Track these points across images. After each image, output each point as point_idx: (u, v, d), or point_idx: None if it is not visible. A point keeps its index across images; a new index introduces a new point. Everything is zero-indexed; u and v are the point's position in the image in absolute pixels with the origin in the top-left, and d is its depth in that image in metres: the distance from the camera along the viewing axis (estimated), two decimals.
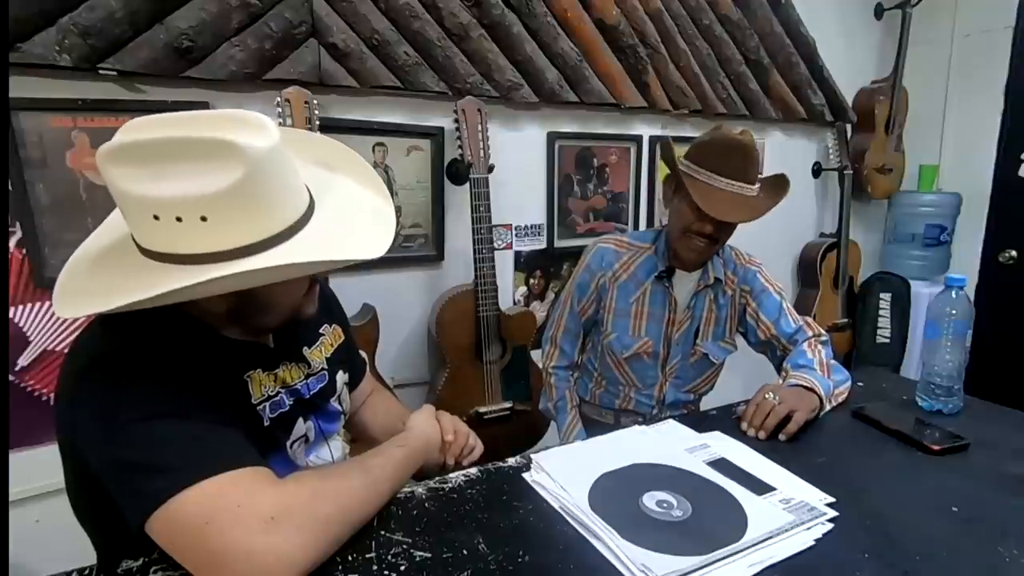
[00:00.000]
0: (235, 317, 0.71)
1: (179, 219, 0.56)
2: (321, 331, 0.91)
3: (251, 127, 0.58)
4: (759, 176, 1.19)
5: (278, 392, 0.77)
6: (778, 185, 1.22)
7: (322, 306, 0.90)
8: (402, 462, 0.78)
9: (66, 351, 0.68)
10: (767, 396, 1.01)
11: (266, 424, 0.73)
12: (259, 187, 0.58)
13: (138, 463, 0.58)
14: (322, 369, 0.87)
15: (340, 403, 0.91)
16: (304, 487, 0.62)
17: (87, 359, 0.63)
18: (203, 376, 0.65)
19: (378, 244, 0.68)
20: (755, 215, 1.14)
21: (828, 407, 1.09)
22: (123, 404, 0.59)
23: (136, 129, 0.57)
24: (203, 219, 0.56)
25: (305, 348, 0.85)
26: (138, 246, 0.62)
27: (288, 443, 0.78)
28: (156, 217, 0.56)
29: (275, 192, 0.61)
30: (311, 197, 0.68)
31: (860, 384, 1.23)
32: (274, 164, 0.59)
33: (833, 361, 1.19)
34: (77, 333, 0.72)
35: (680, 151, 1.27)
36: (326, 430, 0.86)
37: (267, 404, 0.74)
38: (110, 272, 0.63)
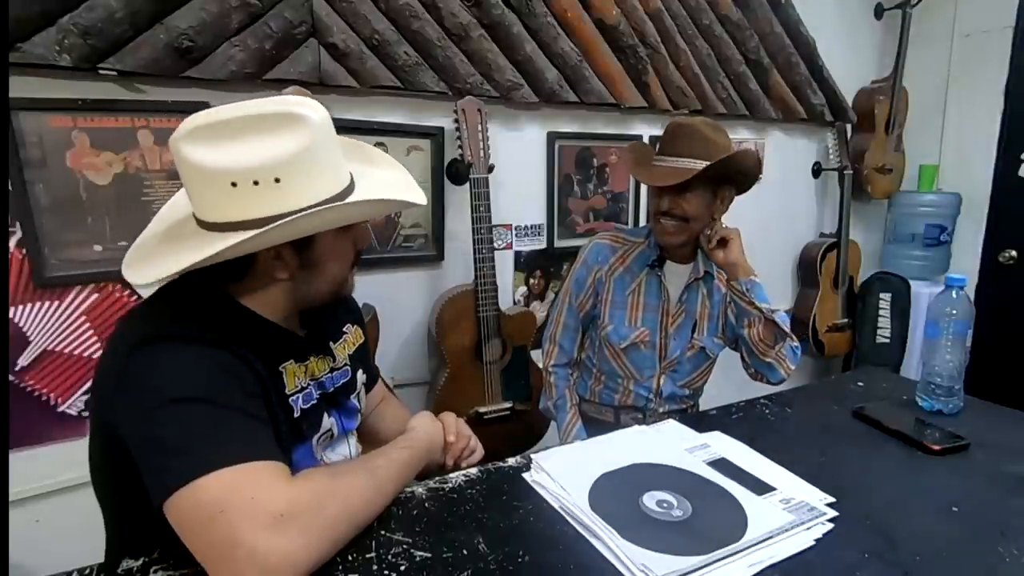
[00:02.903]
0: (293, 281, 0.75)
1: (256, 183, 0.63)
2: (345, 329, 0.94)
3: (307, 103, 0.67)
4: (720, 155, 1.18)
5: (308, 384, 0.79)
6: (732, 160, 1.19)
7: (345, 307, 0.96)
8: (406, 463, 0.79)
9: (115, 326, 0.73)
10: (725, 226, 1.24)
11: (296, 415, 0.76)
12: (322, 151, 0.67)
13: (167, 443, 0.60)
14: (345, 365, 0.90)
15: (359, 401, 0.93)
16: (314, 486, 0.63)
17: (136, 339, 0.65)
18: (246, 362, 0.68)
19: (420, 196, 0.78)
20: (680, 178, 1.18)
21: (755, 299, 1.22)
22: (164, 385, 0.62)
23: (203, 116, 0.64)
24: (277, 180, 0.64)
25: (331, 343, 0.88)
26: (204, 224, 0.68)
27: (315, 437, 0.80)
28: (234, 184, 0.63)
29: (332, 158, 0.70)
30: (351, 175, 0.75)
31: (860, 384, 1.23)
32: (329, 134, 0.69)
33: (789, 347, 1.27)
34: (124, 313, 0.78)
35: None
36: (347, 426, 0.89)
37: (299, 396, 0.77)
38: (178, 244, 0.69)
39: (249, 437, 0.63)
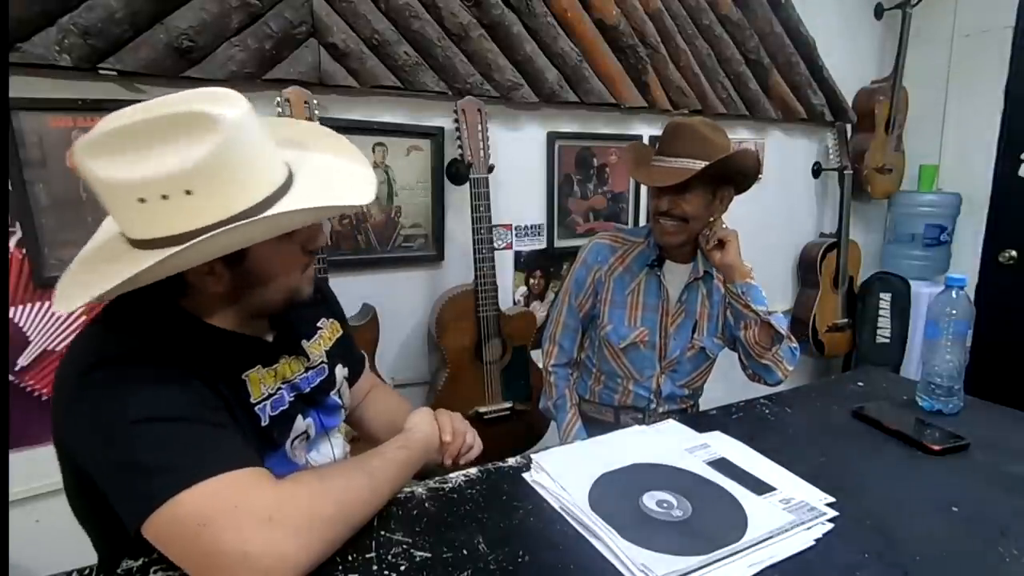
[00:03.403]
0: (234, 298, 0.71)
1: (165, 197, 0.57)
2: (319, 324, 0.91)
3: (220, 99, 0.59)
4: (719, 154, 1.18)
5: (278, 388, 0.77)
6: (730, 159, 1.19)
7: (319, 300, 0.91)
8: (403, 463, 0.78)
9: (63, 354, 0.68)
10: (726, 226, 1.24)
11: (264, 424, 0.73)
12: (238, 155, 0.59)
13: (135, 465, 0.58)
14: (321, 362, 0.87)
15: (340, 397, 0.91)
16: (303, 487, 0.62)
17: (85, 361, 0.63)
18: (201, 377, 0.65)
19: (362, 194, 0.70)
20: (679, 178, 1.18)
21: (751, 301, 1.21)
22: (121, 406, 0.59)
23: (107, 122, 0.58)
24: (188, 192, 0.57)
25: (304, 341, 0.86)
26: (129, 240, 0.62)
27: (288, 441, 0.78)
28: (143, 200, 0.57)
29: (254, 160, 0.62)
30: (289, 170, 0.68)
31: (860, 384, 1.23)
32: (249, 133, 0.60)
33: (788, 348, 1.27)
34: (74, 336, 0.72)
35: None
36: (327, 425, 0.86)
37: (267, 403, 0.74)
38: (103, 265, 0.63)
39: (220, 447, 0.61)
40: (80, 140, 0.57)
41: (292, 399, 0.79)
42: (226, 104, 0.58)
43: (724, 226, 1.26)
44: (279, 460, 0.76)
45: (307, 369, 0.84)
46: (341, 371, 0.93)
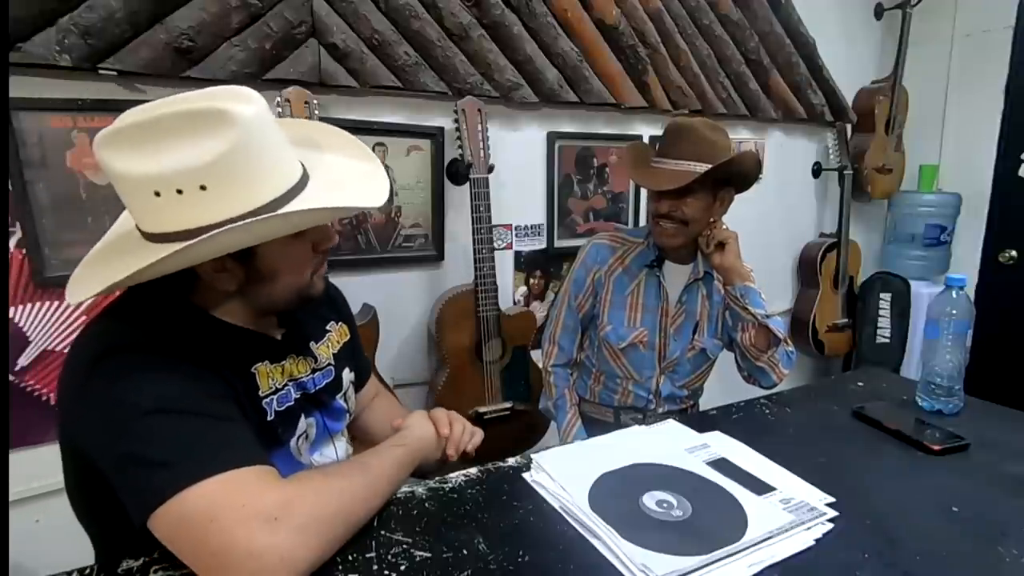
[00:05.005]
0: (245, 295, 0.71)
1: (180, 191, 0.57)
2: (328, 327, 0.91)
3: (238, 97, 0.60)
4: (720, 155, 1.18)
5: (285, 384, 0.77)
6: (734, 162, 1.19)
7: (329, 304, 0.92)
8: (401, 461, 0.78)
9: (70, 345, 0.68)
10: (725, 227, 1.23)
11: (270, 418, 0.74)
12: (254, 151, 0.59)
13: (143, 457, 0.58)
14: (328, 364, 0.87)
15: (346, 401, 0.91)
16: (307, 487, 0.62)
17: (94, 352, 0.63)
18: (211, 369, 0.65)
19: (376, 196, 0.71)
20: (681, 182, 1.16)
21: (749, 304, 1.21)
22: (131, 398, 0.59)
23: (129, 115, 0.58)
24: (203, 188, 0.57)
25: (312, 343, 0.86)
26: (143, 233, 0.63)
27: (293, 439, 0.78)
28: (157, 194, 0.57)
29: (270, 157, 0.62)
30: (304, 169, 0.69)
31: (860, 384, 1.23)
32: (265, 131, 0.61)
33: (784, 352, 1.27)
34: (82, 327, 0.72)
35: None
36: (332, 428, 0.86)
37: (274, 398, 0.75)
38: (115, 257, 0.64)
39: (229, 442, 0.61)
40: (101, 132, 0.57)
41: (298, 396, 0.79)
42: (244, 101, 0.59)
43: (724, 227, 1.26)
44: (284, 457, 0.76)
45: (314, 370, 0.84)
46: (348, 375, 0.93)
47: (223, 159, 0.57)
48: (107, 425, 0.59)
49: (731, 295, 1.24)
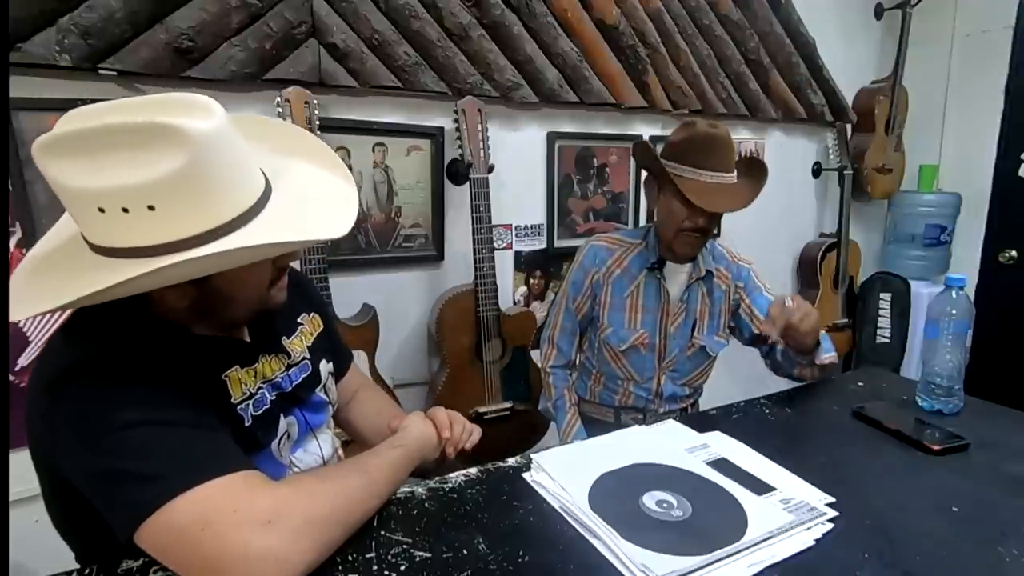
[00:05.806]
0: (200, 312, 0.68)
1: (125, 210, 0.53)
2: (299, 320, 0.88)
3: (194, 109, 0.55)
4: (734, 158, 1.24)
5: (259, 388, 0.75)
6: (754, 167, 1.26)
7: (298, 294, 0.87)
8: (399, 462, 0.77)
9: (34, 365, 0.66)
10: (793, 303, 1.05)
11: (248, 424, 0.72)
12: (207, 172, 0.55)
13: (124, 472, 0.56)
14: (304, 359, 0.85)
15: (326, 393, 0.89)
16: (300, 490, 0.61)
17: (58, 369, 0.60)
18: (180, 379, 0.63)
19: (340, 224, 0.66)
20: (746, 203, 1.18)
21: (823, 353, 1.16)
22: (102, 412, 0.57)
23: (75, 119, 0.54)
24: (151, 208, 0.53)
25: (284, 338, 0.83)
26: (88, 244, 0.59)
27: (275, 441, 0.76)
28: (101, 210, 0.53)
29: (225, 176, 0.58)
30: (267, 182, 0.65)
31: (860, 384, 1.23)
32: (222, 147, 0.56)
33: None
34: (42, 346, 0.70)
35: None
36: (313, 422, 0.84)
37: (249, 403, 0.72)
38: (60, 272, 0.60)
39: (211, 450, 0.60)
40: (41, 137, 0.52)
41: (274, 398, 0.77)
42: (198, 115, 0.54)
43: (788, 302, 1.08)
44: (265, 460, 0.74)
45: (289, 367, 0.81)
46: (326, 367, 0.90)
47: (172, 180, 0.52)
48: (81, 443, 0.57)
49: (809, 359, 1.17)
